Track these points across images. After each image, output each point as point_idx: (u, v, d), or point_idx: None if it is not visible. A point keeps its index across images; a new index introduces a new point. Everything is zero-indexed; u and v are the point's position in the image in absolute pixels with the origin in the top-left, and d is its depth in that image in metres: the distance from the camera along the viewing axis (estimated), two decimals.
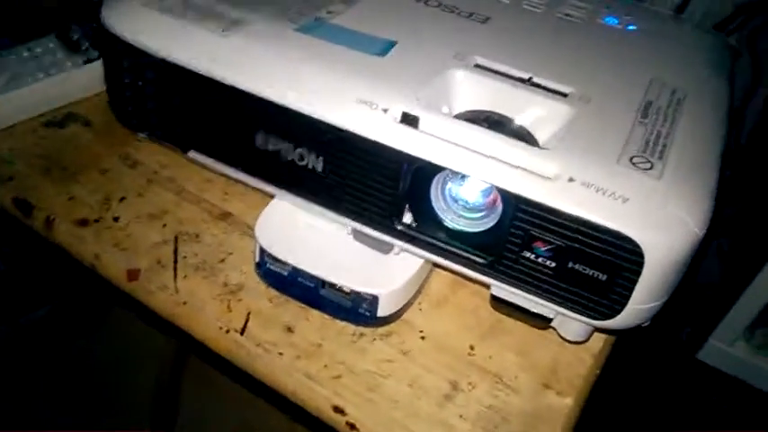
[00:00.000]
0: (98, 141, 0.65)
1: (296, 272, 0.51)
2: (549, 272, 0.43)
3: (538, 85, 0.48)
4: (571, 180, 0.40)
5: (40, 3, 0.79)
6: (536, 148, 0.43)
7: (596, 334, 0.51)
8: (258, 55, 0.48)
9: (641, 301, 0.42)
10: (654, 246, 0.39)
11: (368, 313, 0.50)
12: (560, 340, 0.52)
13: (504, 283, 0.46)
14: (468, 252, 0.46)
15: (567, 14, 0.58)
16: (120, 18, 0.51)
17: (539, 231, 0.42)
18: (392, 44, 0.50)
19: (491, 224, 0.45)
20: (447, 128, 0.43)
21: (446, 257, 0.47)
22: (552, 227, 0.41)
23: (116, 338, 1.29)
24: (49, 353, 1.25)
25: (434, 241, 0.46)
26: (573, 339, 0.49)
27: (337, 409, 0.47)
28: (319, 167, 0.47)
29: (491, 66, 0.49)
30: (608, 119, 0.45)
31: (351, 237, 0.52)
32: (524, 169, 0.41)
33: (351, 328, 0.52)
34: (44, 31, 0.71)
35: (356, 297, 0.50)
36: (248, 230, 0.58)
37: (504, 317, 0.53)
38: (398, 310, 0.51)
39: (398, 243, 0.48)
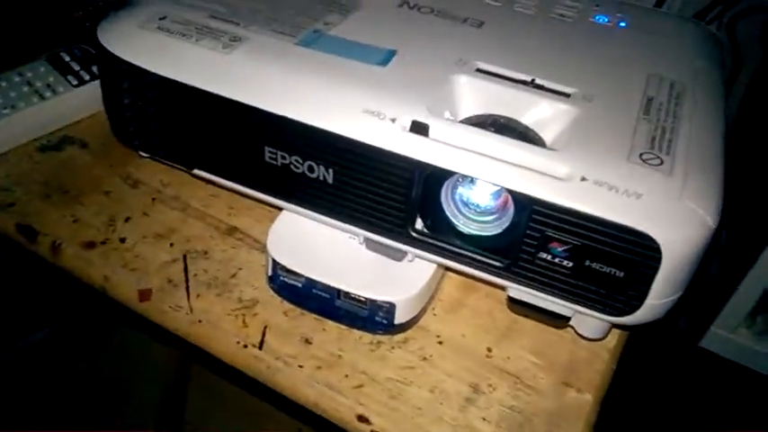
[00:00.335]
0: (97, 163, 0.65)
1: (310, 283, 0.51)
2: (567, 271, 0.44)
3: (541, 87, 0.48)
4: (584, 179, 0.41)
5: (28, 27, 0.79)
6: (546, 150, 0.44)
7: None
8: (263, 71, 0.48)
9: (659, 296, 0.42)
10: (670, 240, 0.40)
11: (385, 321, 0.51)
12: (575, 338, 0.52)
13: (521, 285, 0.46)
14: (483, 256, 0.46)
15: (560, 15, 0.59)
16: (118, 39, 0.51)
17: (554, 232, 0.42)
18: (393, 53, 0.50)
19: (504, 227, 0.46)
20: (457, 134, 0.44)
21: (462, 262, 0.47)
22: (568, 227, 0.42)
23: (117, 358, 1.28)
24: (49, 375, 1.24)
25: (449, 246, 0.47)
26: (592, 337, 0.49)
27: (362, 419, 0.48)
28: (330, 179, 0.47)
29: (492, 69, 0.50)
30: (612, 117, 0.46)
31: (363, 246, 0.52)
32: (537, 171, 0.42)
33: (368, 336, 0.52)
34: (32, 55, 0.70)
35: (373, 305, 0.50)
36: (256, 245, 0.59)
37: (518, 318, 0.54)
38: (415, 317, 0.52)
39: (413, 250, 0.49)
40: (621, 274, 0.42)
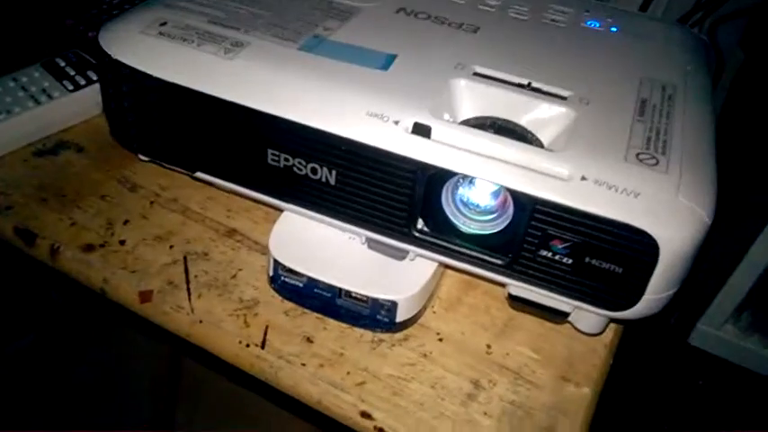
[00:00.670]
0: (94, 167, 0.65)
1: (312, 283, 0.52)
2: (567, 268, 0.45)
3: (537, 90, 0.50)
4: (584, 179, 0.42)
5: (19, 34, 0.79)
6: (547, 151, 0.45)
7: None
8: (266, 75, 0.49)
9: (656, 291, 0.44)
10: (668, 237, 0.41)
11: (386, 319, 0.52)
12: (572, 333, 0.54)
13: (522, 282, 0.47)
14: (485, 254, 0.47)
15: (553, 20, 0.60)
16: (120, 44, 0.52)
17: (555, 230, 0.43)
18: (393, 57, 0.51)
19: (503, 225, 0.47)
20: (459, 135, 0.45)
21: (464, 261, 0.48)
22: (569, 225, 0.43)
23: (104, 362, 1.28)
24: (36, 381, 1.23)
25: (451, 245, 0.48)
26: (590, 332, 0.51)
27: (365, 415, 0.48)
28: (332, 180, 0.48)
29: (490, 73, 0.51)
30: (608, 119, 0.47)
31: (363, 245, 0.53)
32: (539, 172, 0.43)
33: (369, 334, 0.53)
34: (24, 62, 0.71)
35: (374, 304, 0.51)
36: (255, 246, 0.59)
37: (516, 315, 0.55)
38: (415, 315, 0.53)
39: (415, 249, 0.50)
40: (620, 270, 0.43)
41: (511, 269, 0.47)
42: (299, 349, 0.52)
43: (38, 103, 0.66)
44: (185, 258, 0.58)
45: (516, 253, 0.46)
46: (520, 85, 0.50)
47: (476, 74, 0.51)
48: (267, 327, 0.53)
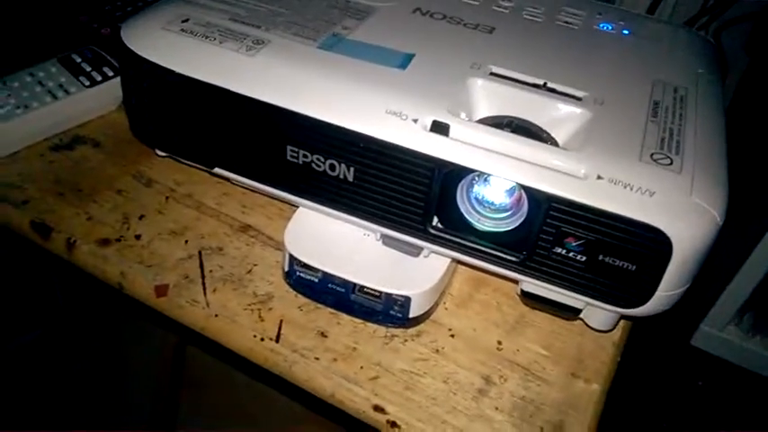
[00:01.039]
0: (109, 162, 0.66)
1: (327, 278, 0.53)
2: (580, 265, 0.46)
3: (553, 90, 0.50)
4: (600, 178, 0.43)
5: (34, 31, 0.80)
6: (564, 150, 0.46)
7: None
8: (287, 72, 0.49)
9: (668, 288, 0.45)
10: (681, 235, 0.42)
11: (400, 315, 0.53)
12: (582, 331, 0.55)
13: (535, 278, 0.48)
14: (500, 251, 0.48)
15: (566, 22, 0.61)
16: (142, 40, 0.53)
17: (571, 228, 0.44)
18: (410, 57, 0.52)
19: (517, 223, 0.48)
20: (477, 134, 0.46)
21: (479, 257, 0.49)
22: (584, 222, 0.44)
23: (108, 359, 1.28)
24: (40, 376, 1.24)
25: (467, 242, 0.49)
26: (601, 328, 0.52)
27: (378, 409, 0.49)
28: (350, 177, 0.49)
29: (506, 73, 0.52)
30: (623, 120, 0.48)
31: (378, 241, 0.54)
32: (556, 170, 0.44)
33: (382, 330, 0.54)
34: (39, 58, 0.71)
35: (388, 299, 0.52)
36: (270, 241, 0.60)
37: (526, 311, 0.56)
38: (428, 311, 0.54)
39: (431, 246, 0.51)
40: (633, 268, 0.44)
41: (525, 266, 0.48)
42: (312, 344, 0.52)
43: (55, 98, 0.67)
44: (200, 253, 0.58)
45: (530, 250, 0.47)
46: (536, 86, 0.51)
47: (492, 74, 0.52)
48: (281, 321, 0.54)
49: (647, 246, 0.43)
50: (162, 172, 0.65)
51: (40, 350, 1.28)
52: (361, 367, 0.51)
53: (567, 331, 0.55)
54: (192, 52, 0.51)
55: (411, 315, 0.53)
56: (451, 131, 0.46)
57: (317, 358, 0.52)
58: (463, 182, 0.48)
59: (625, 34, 0.61)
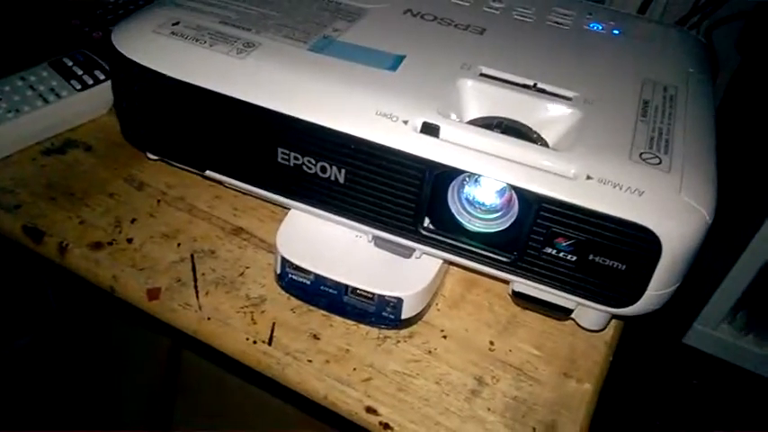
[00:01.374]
0: (101, 165, 0.66)
1: (319, 280, 0.53)
2: (571, 265, 0.46)
3: (543, 91, 0.51)
4: (589, 178, 0.43)
5: (26, 34, 0.80)
6: (553, 150, 0.46)
7: None
8: (278, 75, 0.49)
9: (658, 288, 0.45)
10: (670, 235, 0.42)
11: (392, 316, 0.53)
12: (574, 330, 0.55)
13: (526, 279, 0.48)
14: (491, 251, 0.48)
15: (557, 23, 0.61)
16: (133, 44, 0.53)
17: (561, 228, 0.44)
18: (401, 58, 0.52)
19: (508, 223, 0.48)
20: (467, 135, 0.46)
21: (470, 258, 0.49)
22: (574, 222, 0.44)
23: (102, 364, 1.28)
24: (33, 381, 1.24)
25: (458, 243, 0.49)
26: (592, 328, 0.52)
27: (370, 410, 0.49)
28: (341, 179, 0.49)
29: (496, 74, 0.52)
30: (612, 119, 0.48)
31: (370, 243, 0.54)
32: (546, 170, 0.44)
33: (374, 331, 0.54)
34: (31, 62, 0.71)
35: (380, 301, 0.52)
36: (262, 244, 0.60)
37: (518, 311, 0.56)
38: (420, 312, 0.54)
39: (422, 247, 0.51)
40: (623, 267, 0.44)
41: (515, 266, 0.48)
42: (305, 346, 0.52)
43: (46, 102, 0.67)
44: (192, 256, 0.58)
45: (521, 250, 0.47)
46: (526, 86, 0.51)
47: (482, 74, 0.52)
48: (274, 324, 0.54)
49: (637, 245, 0.43)
50: (154, 175, 0.65)
51: (33, 355, 1.27)
52: (354, 369, 0.51)
53: (558, 331, 0.55)
54: (182, 55, 0.51)
55: (403, 316, 0.53)
56: (441, 133, 0.46)
57: (310, 360, 0.52)
58: (454, 183, 0.48)
59: (615, 34, 0.61)
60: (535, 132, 0.49)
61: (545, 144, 0.48)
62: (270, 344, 0.53)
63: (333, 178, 0.50)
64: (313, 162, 0.49)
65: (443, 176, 0.47)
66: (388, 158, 0.47)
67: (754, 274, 1.11)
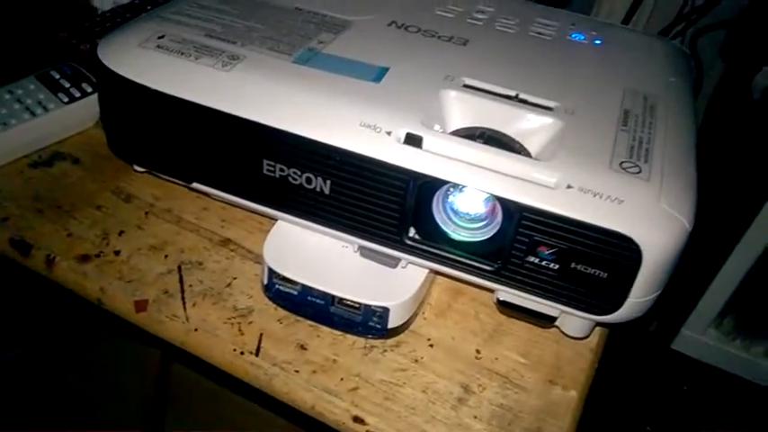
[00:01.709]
0: (89, 178, 0.66)
1: (306, 290, 0.53)
2: (553, 273, 0.46)
3: (525, 101, 0.51)
4: (569, 187, 0.44)
5: (13, 47, 0.80)
6: (535, 160, 0.46)
7: None
8: (263, 87, 0.50)
9: (640, 295, 0.45)
10: (650, 243, 0.43)
11: (378, 326, 0.53)
12: (559, 338, 0.55)
13: (510, 287, 0.49)
14: (474, 260, 0.49)
15: (539, 33, 0.62)
16: (119, 57, 0.53)
17: (543, 237, 0.45)
18: (385, 70, 0.53)
19: (492, 233, 0.48)
20: (450, 145, 0.46)
21: (454, 267, 0.50)
22: (555, 231, 0.44)
23: (92, 377, 1.28)
24: (23, 393, 1.23)
25: (442, 252, 0.49)
26: (576, 335, 0.52)
27: (357, 419, 0.50)
28: (327, 190, 0.50)
29: (479, 85, 0.52)
30: (593, 129, 0.49)
31: (356, 253, 0.55)
32: (527, 180, 0.44)
33: (361, 341, 0.54)
34: (18, 75, 0.71)
35: (367, 311, 0.52)
36: (249, 255, 0.60)
37: (504, 320, 0.56)
38: (407, 321, 0.54)
39: (407, 257, 0.51)
40: (605, 275, 0.45)
41: (499, 275, 0.48)
42: (292, 356, 0.53)
43: (33, 115, 0.67)
44: (180, 268, 0.59)
45: (505, 259, 0.47)
46: (508, 97, 0.52)
47: (465, 86, 0.52)
48: (261, 334, 0.54)
49: (617, 253, 0.44)
50: (141, 187, 0.65)
51: (24, 367, 1.27)
52: (341, 379, 0.52)
53: (544, 339, 0.56)
54: (167, 69, 0.52)
55: (390, 326, 0.53)
56: (425, 143, 0.46)
57: (297, 371, 0.52)
58: (438, 193, 0.48)
59: (597, 44, 0.62)
60: (517, 142, 0.49)
61: (527, 154, 0.49)
62: (257, 355, 0.53)
63: (318, 189, 0.50)
64: (298, 173, 0.50)
65: (427, 187, 0.47)
66: (372, 169, 0.47)
67: (741, 278, 1.11)
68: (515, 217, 0.45)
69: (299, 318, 0.55)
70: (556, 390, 0.52)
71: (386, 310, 0.52)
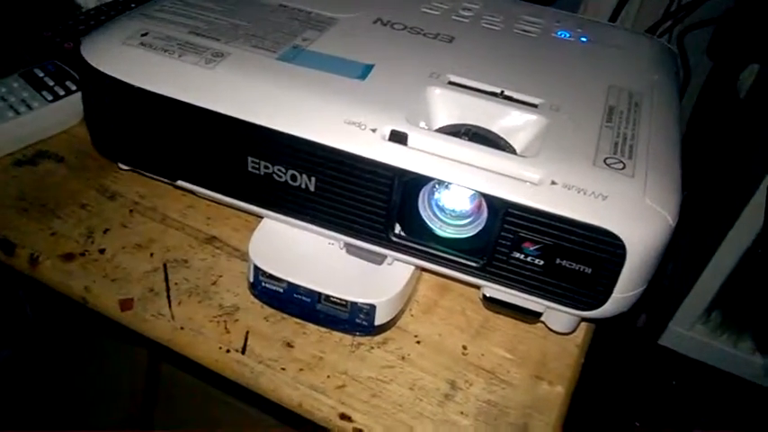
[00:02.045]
0: (73, 176, 0.66)
1: (292, 288, 0.53)
2: (538, 269, 0.46)
3: (510, 98, 0.51)
4: (554, 183, 0.44)
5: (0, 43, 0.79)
6: (519, 157, 0.47)
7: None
8: (247, 84, 0.50)
9: (624, 290, 0.46)
10: (634, 238, 0.43)
11: (365, 323, 0.53)
12: (545, 334, 0.55)
13: (496, 283, 0.49)
14: (460, 257, 0.49)
15: (525, 31, 0.62)
16: (103, 55, 0.53)
17: (527, 233, 0.45)
18: (370, 67, 0.52)
19: (478, 229, 0.48)
20: (435, 142, 0.46)
21: (440, 264, 0.50)
22: (540, 227, 0.45)
23: (81, 378, 1.27)
24: (12, 395, 1.23)
25: (428, 249, 0.49)
26: (562, 331, 0.52)
27: (344, 417, 0.50)
28: (312, 187, 0.50)
29: (464, 82, 0.52)
30: (578, 125, 0.49)
31: (342, 250, 0.54)
32: (511, 176, 0.44)
33: (348, 338, 0.54)
34: (2, 73, 0.71)
35: (353, 308, 0.52)
36: (235, 252, 0.60)
37: (491, 316, 0.56)
38: (394, 318, 0.54)
39: (393, 254, 0.51)
40: (589, 271, 0.45)
41: (485, 271, 0.49)
42: (279, 354, 0.53)
43: (17, 113, 0.66)
44: (165, 266, 0.58)
45: (490, 255, 0.48)
46: (493, 94, 0.52)
47: (450, 83, 0.52)
48: (248, 332, 0.54)
49: (602, 249, 0.44)
50: (125, 185, 0.65)
51: (14, 368, 1.26)
52: (328, 376, 0.52)
53: (530, 335, 0.56)
54: (151, 66, 0.52)
55: (377, 323, 0.53)
56: (410, 140, 0.46)
57: (284, 369, 0.52)
58: (424, 189, 0.48)
59: (583, 41, 0.62)
60: (502, 139, 0.50)
61: (512, 150, 0.49)
62: (243, 352, 0.53)
63: (303, 186, 0.50)
64: (283, 171, 0.50)
65: (413, 183, 0.47)
66: (357, 166, 0.47)
67: (728, 273, 1.12)
68: (500, 213, 0.45)
69: (285, 315, 0.55)
70: (542, 385, 0.52)
71: (372, 308, 0.52)
